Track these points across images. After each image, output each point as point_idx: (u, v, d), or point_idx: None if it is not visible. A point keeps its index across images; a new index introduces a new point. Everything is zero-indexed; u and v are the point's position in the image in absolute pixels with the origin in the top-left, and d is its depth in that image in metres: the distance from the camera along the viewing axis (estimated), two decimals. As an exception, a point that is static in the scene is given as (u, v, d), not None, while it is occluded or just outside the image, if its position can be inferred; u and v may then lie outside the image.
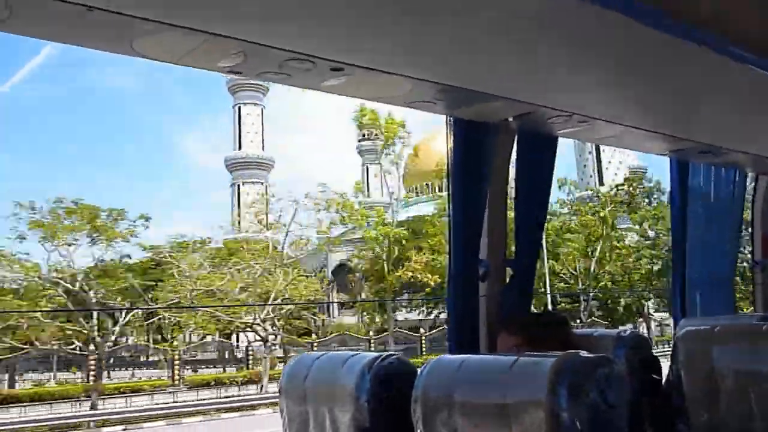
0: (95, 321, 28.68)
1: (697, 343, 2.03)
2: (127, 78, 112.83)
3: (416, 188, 62.03)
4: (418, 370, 1.56)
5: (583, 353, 1.34)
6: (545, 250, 30.41)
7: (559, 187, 39.78)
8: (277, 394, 1.92)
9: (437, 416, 1.43)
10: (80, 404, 25.40)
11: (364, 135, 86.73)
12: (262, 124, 73.28)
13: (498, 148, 2.24)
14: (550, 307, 30.78)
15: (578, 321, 32.96)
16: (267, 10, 1.04)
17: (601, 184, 52.79)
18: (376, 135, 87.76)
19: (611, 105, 1.77)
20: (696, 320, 2.21)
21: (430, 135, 44.93)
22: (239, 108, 72.29)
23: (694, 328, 2.07)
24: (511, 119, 1.90)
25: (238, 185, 72.31)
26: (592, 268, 34.47)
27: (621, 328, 36.97)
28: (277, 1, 1.04)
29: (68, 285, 27.47)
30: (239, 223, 42.01)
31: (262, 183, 73.39)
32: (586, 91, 1.65)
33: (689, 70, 1.50)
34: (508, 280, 2.36)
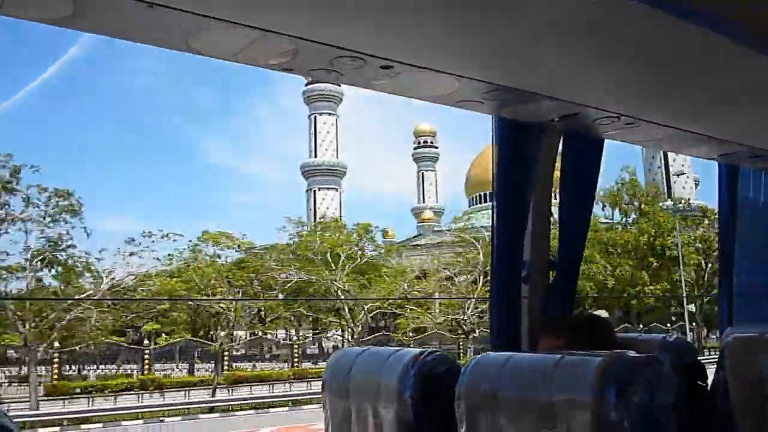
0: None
1: (745, 350, 1.99)
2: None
3: (476, 197, 66.06)
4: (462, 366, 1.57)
5: (631, 353, 1.34)
6: (681, 262, 34.91)
7: (674, 204, 44.69)
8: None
9: (481, 413, 1.44)
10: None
11: (420, 143, 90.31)
12: (337, 132, 76.72)
13: (543, 149, 2.25)
14: (687, 310, 35.11)
15: (694, 324, 37.73)
16: (319, 7, 1.06)
17: (670, 195, 57.40)
18: (431, 143, 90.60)
19: (659, 107, 1.71)
20: (744, 327, 2.13)
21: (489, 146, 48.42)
22: (315, 117, 75.76)
23: (742, 336, 2.02)
24: (556, 120, 1.82)
25: (314, 191, 76.08)
26: (705, 277, 39.10)
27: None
28: None
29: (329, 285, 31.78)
30: (315, 225, 45.72)
31: (336, 189, 77.33)
32: (634, 92, 1.59)
33: (740, 72, 1.46)
34: (551, 281, 2.37)
